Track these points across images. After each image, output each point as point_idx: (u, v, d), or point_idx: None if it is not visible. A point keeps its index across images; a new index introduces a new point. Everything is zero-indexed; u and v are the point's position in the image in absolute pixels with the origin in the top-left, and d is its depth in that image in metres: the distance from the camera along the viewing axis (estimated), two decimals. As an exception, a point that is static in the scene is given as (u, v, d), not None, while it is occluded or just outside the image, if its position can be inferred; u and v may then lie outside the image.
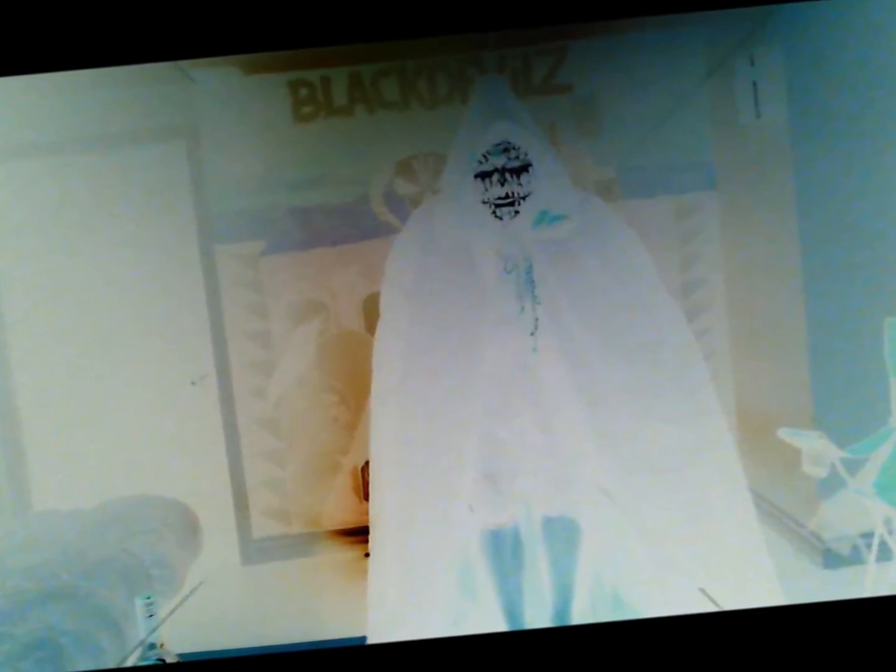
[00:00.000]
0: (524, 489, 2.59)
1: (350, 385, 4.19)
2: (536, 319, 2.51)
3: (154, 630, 1.62)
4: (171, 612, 2.15)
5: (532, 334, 2.53)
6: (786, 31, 3.41)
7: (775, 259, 3.72)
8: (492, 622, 2.61)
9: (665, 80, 3.92)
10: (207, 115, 4.03)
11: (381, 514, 2.62)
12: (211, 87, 3.97)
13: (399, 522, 2.56)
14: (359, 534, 4.18)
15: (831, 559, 3.49)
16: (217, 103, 4.00)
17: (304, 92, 4.08)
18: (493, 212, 2.51)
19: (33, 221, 3.99)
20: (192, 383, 4.12)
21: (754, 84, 3.67)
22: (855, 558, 3.37)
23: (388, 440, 2.62)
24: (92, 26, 2.07)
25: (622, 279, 2.54)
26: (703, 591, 2.40)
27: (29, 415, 4.13)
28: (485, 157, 2.49)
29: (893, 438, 3.11)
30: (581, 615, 2.63)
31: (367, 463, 4.18)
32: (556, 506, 2.60)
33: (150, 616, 1.61)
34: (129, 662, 2.18)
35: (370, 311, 4.18)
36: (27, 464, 4.15)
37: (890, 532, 3.05)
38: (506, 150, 2.49)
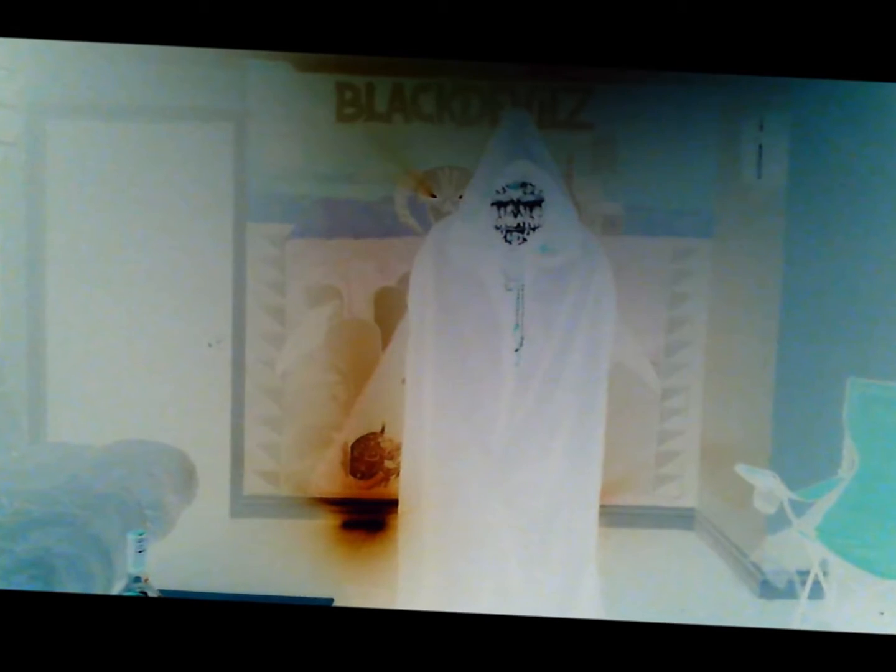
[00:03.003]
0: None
1: (352, 368, 4.21)
2: (522, 338, 2.56)
3: (142, 564, 1.63)
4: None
5: (517, 350, 2.57)
6: (797, 103, 3.42)
7: (757, 307, 3.74)
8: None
9: (679, 132, 3.94)
10: (257, 104, 4.05)
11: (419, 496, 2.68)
12: (264, 78, 3.99)
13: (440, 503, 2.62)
14: (341, 504, 4.20)
15: (767, 590, 3.51)
16: (267, 94, 4.02)
17: (349, 95, 4.09)
18: (505, 237, 2.55)
19: (85, 175, 4.02)
20: (209, 345, 4.13)
21: (760, 147, 3.68)
22: (789, 592, 3.38)
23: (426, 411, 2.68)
24: (161, 5, 2.08)
25: (585, 318, 2.62)
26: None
27: (55, 352, 4.15)
28: (503, 188, 2.53)
29: (839, 488, 3.12)
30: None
31: (357, 440, 4.23)
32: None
33: (140, 552, 1.62)
34: (115, 591, 2.20)
35: (381, 304, 4.20)
36: (48, 398, 4.17)
37: (824, 573, 3.06)
38: (523, 185, 2.52)
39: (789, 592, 3.37)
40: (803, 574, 3.16)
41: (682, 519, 4.24)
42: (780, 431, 3.52)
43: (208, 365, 4.14)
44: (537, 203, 2.54)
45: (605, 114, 4.05)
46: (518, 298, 2.58)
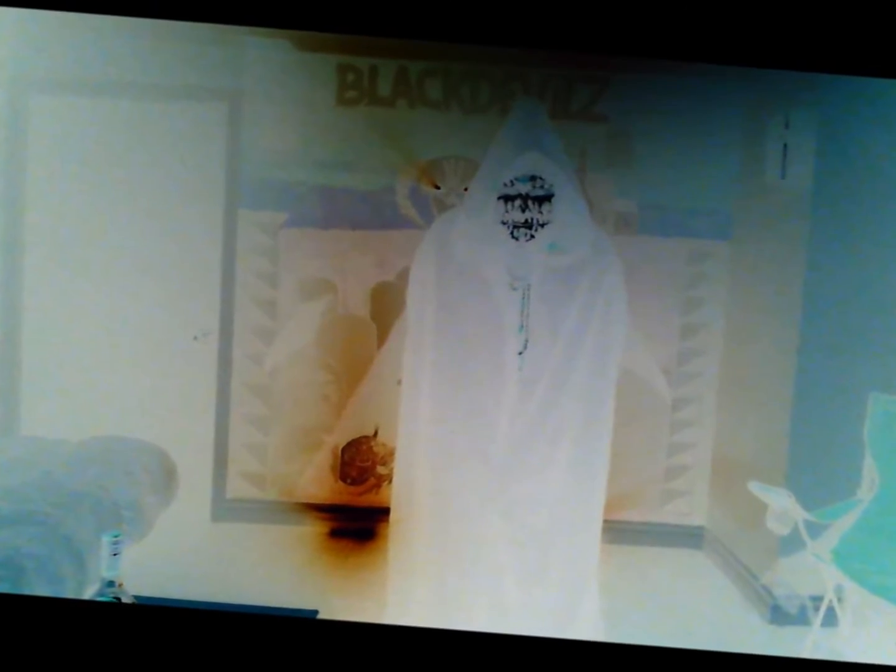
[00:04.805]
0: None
1: (346, 367, 4.21)
2: (527, 340, 2.56)
3: (116, 568, 1.63)
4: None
5: (520, 353, 2.57)
6: (825, 101, 3.41)
7: (776, 316, 3.74)
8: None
9: (699, 128, 3.94)
10: (253, 84, 4.05)
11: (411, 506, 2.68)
12: (261, 56, 3.99)
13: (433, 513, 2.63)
14: (329, 510, 4.21)
15: (778, 615, 3.51)
16: (264, 73, 4.02)
17: (350, 77, 4.09)
18: (511, 233, 2.55)
19: (69, 154, 4.02)
20: (195, 338, 4.14)
21: (785, 146, 3.67)
22: (801, 619, 3.38)
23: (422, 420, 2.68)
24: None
25: (594, 322, 2.61)
26: None
27: (31, 341, 4.15)
28: (511, 182, 2.52)
29: (858, 510, 3.12)
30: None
31: (348, 444, 4.24)
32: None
33: (115, 555, 1.62)
34: (86, 595, 2.19)
35: (377, 300, 4.20)
36: (21, 388, 4.17)
37: (839, 599, 3.06)
38: (532, 178, 2.52)
39: (801, 618, 3.38)
40: (816, 600, 3.17)
41: (690, 537, 4.24)
42: (797, 448, 3.52)
43: (193, 359, 4.15)
44: (547, 198, 2.53)
45: (621, 106, 4.05)
46: (523, 298, 2.57)
